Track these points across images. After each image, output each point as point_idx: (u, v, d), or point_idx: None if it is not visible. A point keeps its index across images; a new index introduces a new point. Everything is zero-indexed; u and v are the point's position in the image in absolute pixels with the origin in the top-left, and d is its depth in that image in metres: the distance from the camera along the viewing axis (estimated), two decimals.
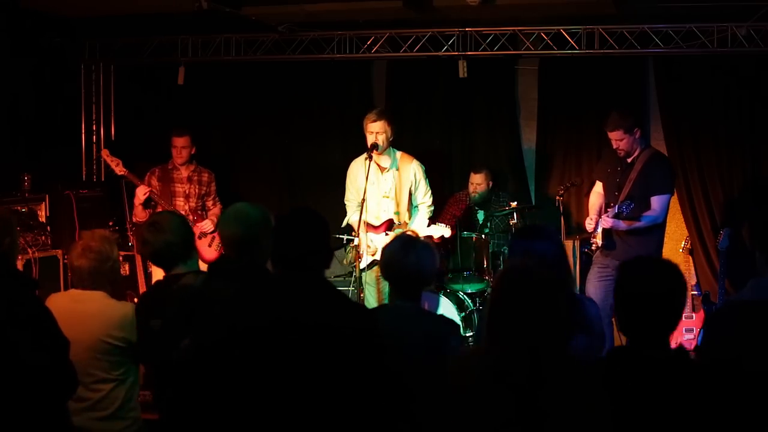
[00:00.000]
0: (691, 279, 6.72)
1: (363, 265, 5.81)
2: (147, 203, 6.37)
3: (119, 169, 6.37)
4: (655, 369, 2.44)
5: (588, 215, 6.01)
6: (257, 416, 2.67)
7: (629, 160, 5.78)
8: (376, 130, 5.73)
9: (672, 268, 2.59)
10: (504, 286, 2.44)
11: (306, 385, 2.62)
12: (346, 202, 6.02)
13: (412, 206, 5.95)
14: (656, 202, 5.68)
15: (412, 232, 5.71)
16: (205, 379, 2.86)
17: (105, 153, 6.47)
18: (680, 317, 2.60)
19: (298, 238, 2.82)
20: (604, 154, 6.17)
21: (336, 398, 2.62)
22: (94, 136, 8.23)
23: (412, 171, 5.91)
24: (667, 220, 7.25)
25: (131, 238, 7.00)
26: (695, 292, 6.69)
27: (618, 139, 5.66)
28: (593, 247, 5.87)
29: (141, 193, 6.31)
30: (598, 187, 6.06)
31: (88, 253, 3.63)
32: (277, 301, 2.75)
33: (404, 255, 3.21)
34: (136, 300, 6.64)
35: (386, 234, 5.82)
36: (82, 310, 3.61)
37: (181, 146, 6.51)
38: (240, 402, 2.70)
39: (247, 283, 2.90)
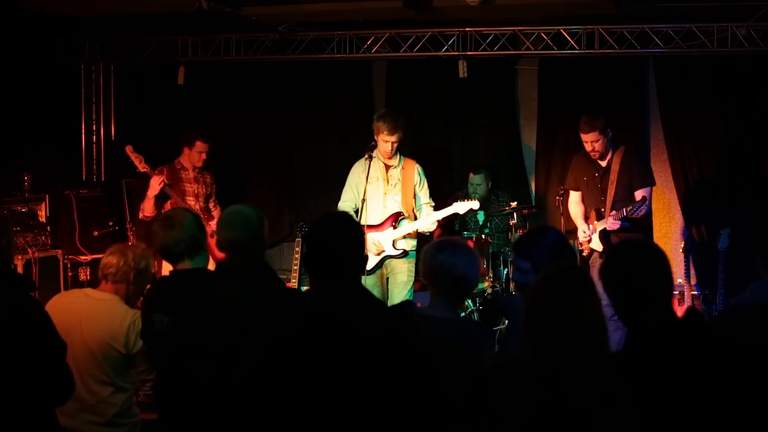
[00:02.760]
0: (692, 279, 6.72)
1: (369, 266, 5.81)
2: (158, 198, 6.31)
3: (142, 166, 6.30)
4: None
5: (577, 227, 6.00)
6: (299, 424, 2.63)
7: (604, 164, 5.81)
8: (393, 140, 5.78)
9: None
10: (543, 287, 2.45)
11: (349, 393, 2.55)
12: (340, 205, 5.99)
13: (417, 205, 5.98)
14: (643, 195, 5.71)
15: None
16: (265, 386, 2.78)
17: (129, 149, 6.37)
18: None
19: (334, 244, 2.71)
20: (572, 164, 6.16)
21: (377, 406, 2.56)
22: (94, 136, 8.23)
23: (416, 171, 6.00)
24: (668, 221, 7.31)
25: (131, 238, 6.98)
26: (695, 292, 6.70)
27: (594, 141, 5.70)
28: (585, 253, 5.90)
29: (156, 182, 6.18)
30: (575, 197, 6.07)
31: (131, 250, 3.77)
32: (319, 309, 2.66)
33: (436, 254, 3.15)
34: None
35: (393, 228, 5.82)
36: (91, 308, 3.64)
37: (205, 151, 6.47)
38: (286, 411, 2.63)
39: (282, 291, 2.84)
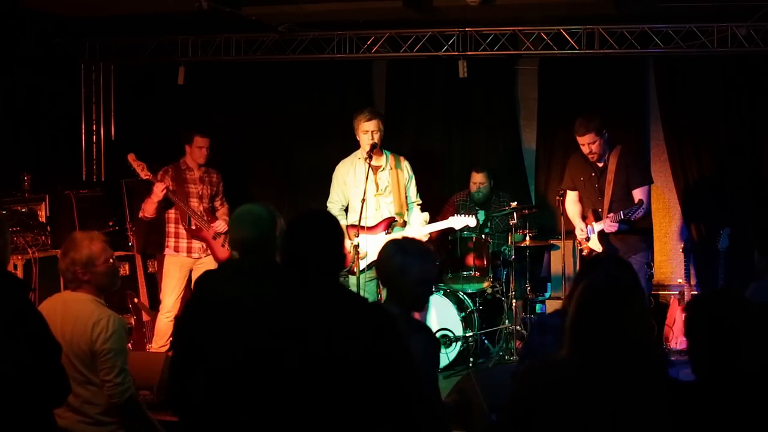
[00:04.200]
0: (692, 279, 6.73)
1: (362, 266, 5.80)
2: (161, 202, 6.26)
3: (144, 174, 6.26)
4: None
5: (574, 226, 6.00)
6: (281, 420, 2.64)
7: (601, 164, 5.80)
8: (372, 129, 5.69)
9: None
10: (591, 295, 2.46)
11: (328, 391, 2.58)
12: (328, 204, 5.98)
13: (408, 203, 5.95)
14: (640, 194, 5.69)
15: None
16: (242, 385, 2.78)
17: (131, 157, 6.32)
18: None
19: (311, 243, 2.75)
20: (569, 163, 6.13)
21: (358, 404, 2.59)
22: (94, 136, 8.23)
23: (405, 169, 5.94)
24: (668, 221, 7.31)
25: (131, 238, 6.98)
26: (695, 292, 6.70)
27: (590, 143, 5.67)
28: (584, 253, 5.90)
29: (159, 189, 6.15)
30: (573, 197, 6.05)
31: (64, 254, 3.68)
32: (297, 309, 2.69)
33: (390, 255, 3.16)
34: (136, 300, 6.66)
35: (386, 233, 5.80)
36: (66, 311, 3.61)
37: (206, 146, 6.42)
38: (285, 408, 2.66)
39: (279, 286, 2.86)
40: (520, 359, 4.30)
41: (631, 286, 2.49)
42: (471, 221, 5.97)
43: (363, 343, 2.61)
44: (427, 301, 3.23)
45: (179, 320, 3.31)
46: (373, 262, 5.80)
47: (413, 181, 5.99)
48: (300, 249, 2.77)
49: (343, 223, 5.76)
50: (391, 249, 3.17)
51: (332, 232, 2.83)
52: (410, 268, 3.08)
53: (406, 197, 5.94)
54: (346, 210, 5.93)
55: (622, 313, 2.37)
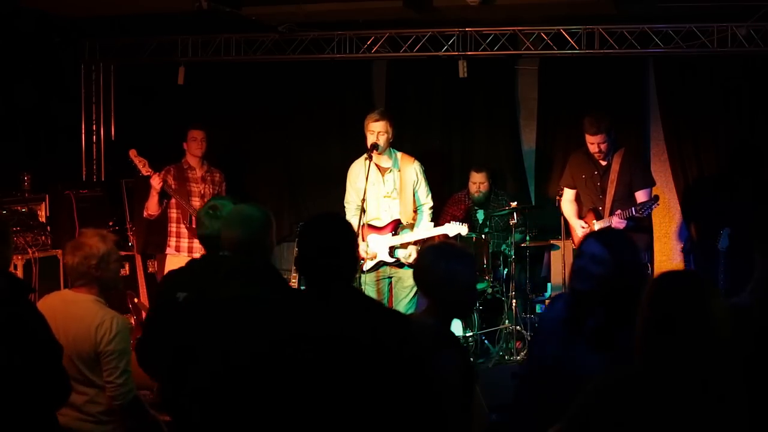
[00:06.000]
0: None
1: (366, 268, 5.80)
2: (161, 197, 6.26)
3: (146, 170, 6.25)
4: None
5: (571, 226, 5.99)
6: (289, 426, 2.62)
7: (604, 163, 5.81)
8: (378, 130, 5.71)
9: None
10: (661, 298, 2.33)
11: (341, 398, 2.55)
12: (345, 204, 6.00)
13: (417, 206, 5.94)
14: (644, 195, 5.72)
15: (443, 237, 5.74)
16: (246, 390, 2.73)
17: (133, 153, 6.31)
18: None
19: (323, 246, 2.69)
20: (570, 161, 6.14)
21: (371, 409, 2.56)
22: (94, 136, 8.23)
23: (414, 171, 5.90)
24: (668, 221, 7.30)
25: (131, 238, 6.99)
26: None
27: (601, 142, 5.71)
28: None
29: (155, 182, 6.16)
30: (569, 195, 6.05)
31: (76, 249, 3.64)
32: (309, 314, 2.65)
33: (434, 262, 2.96)
34: (136, 300, 6.66)
35: (392, 235, 5.79)
36: (68, 312, 3.60)
37: (201, 138, 6.46)
38: (276, 414, 2.63)
39: (285, 291, 2.82)
40: (526, 363, 4.21)
41: (708, 283, 2.35)
42: (463, 229, 5.96)
43: (382, 349, 2.57)
44: (473, 308, 3.11)
45: (161, 318, 3.29)
46: (378, 262, 5.81)
47: (423, 184, 5.94)
48: (314, 253, 2.71)
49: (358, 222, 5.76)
50: (433, 255, 2.98)
51: (346, 236, 2.78)
52: (457, 274, 2.90)
53: (415, 199, 5.92)
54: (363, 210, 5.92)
55: (699, 310, 2.25)
